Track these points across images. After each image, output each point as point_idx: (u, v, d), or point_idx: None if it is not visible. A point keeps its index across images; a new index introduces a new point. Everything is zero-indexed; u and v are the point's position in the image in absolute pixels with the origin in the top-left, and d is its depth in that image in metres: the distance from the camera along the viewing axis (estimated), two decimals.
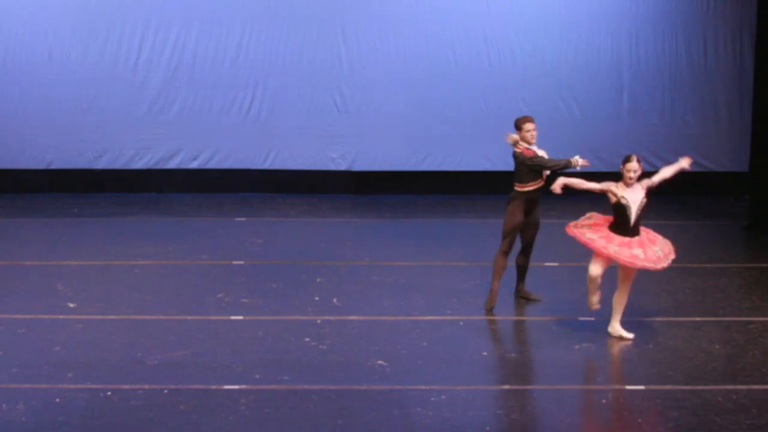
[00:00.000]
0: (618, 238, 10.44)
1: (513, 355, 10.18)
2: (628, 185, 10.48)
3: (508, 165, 17.56)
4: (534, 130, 11.32)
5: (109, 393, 9.08)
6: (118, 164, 17.47)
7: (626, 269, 10.57)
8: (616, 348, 10.31)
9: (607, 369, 9.79)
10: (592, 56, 17.54)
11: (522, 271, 11.81)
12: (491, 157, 17.61)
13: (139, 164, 17.49)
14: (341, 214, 16.15)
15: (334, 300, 11.82)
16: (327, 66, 17.38)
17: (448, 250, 13.98)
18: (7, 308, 11.35)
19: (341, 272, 12.77)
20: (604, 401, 9.11)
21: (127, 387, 9.22)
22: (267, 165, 17.55)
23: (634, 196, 10.47)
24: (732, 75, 17.63)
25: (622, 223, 10.47)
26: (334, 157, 17.49)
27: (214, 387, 9.28)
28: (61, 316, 11.14)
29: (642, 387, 9.35)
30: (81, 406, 8.84)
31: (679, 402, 9.01)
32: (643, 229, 10.61)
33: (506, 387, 9.37)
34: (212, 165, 17.55)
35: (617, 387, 9.37)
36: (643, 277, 12.80)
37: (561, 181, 10.56)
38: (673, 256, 10.64)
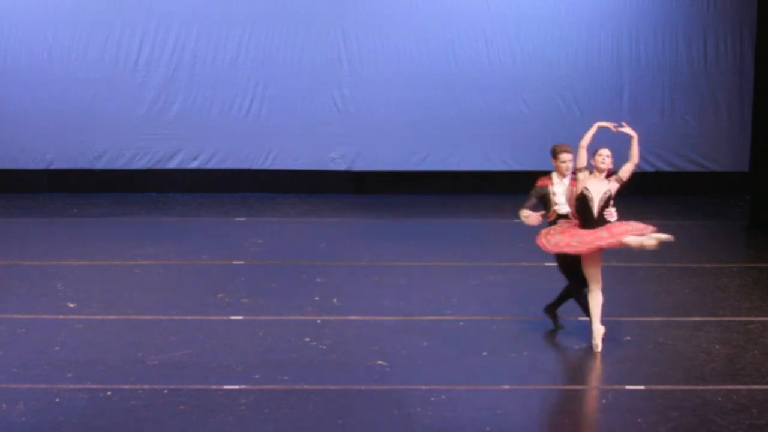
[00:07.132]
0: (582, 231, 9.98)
1: (513, 355, 10.16)
2: (598, 174, 10.06)
3: (508, 165, 17.78)
4: (570, 161, 10.56)
5: (109, 393, 9.08)
6: (118, 164, 17.47)
7: (591, 257, 10.03)
8: (616, 348, 10.29)
9: (607, 369, 9.78)
10: (592, 56, 17.54)
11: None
12: (491, 157, 17.62)
13: (139, 164, 17.49)
14: (341, 214, 16.14)
15: (334, 300, 11.80)
16: (327, 66, 17.39)
17: (448, 250, 13.97)
18: (7, 308, 11.35)
19: (341, 272, 12.76)
20: (604, 401, 9.10)
21: (127, 387, 9.21)
22: (267, 165, 17.55)
23: (598, 187, 10.04)
24: (732, 75, 17.62)
25: (584, 217, 10.02)
26: (334, 157, 17.49)
27: (214, 387, 9.27)
28: (61, 316, 11.13)
29: (642, 387, 9.34)
30: (81, 406, 8.83)
31: (679, 402, 9.00)
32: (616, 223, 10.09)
33: (506, 387, 9.36)
34: (212, 165, 17.55)
35: (617, 387, 9.36)
36: (644, 277, 12.81)
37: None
38: (650, 228, 10.01)
